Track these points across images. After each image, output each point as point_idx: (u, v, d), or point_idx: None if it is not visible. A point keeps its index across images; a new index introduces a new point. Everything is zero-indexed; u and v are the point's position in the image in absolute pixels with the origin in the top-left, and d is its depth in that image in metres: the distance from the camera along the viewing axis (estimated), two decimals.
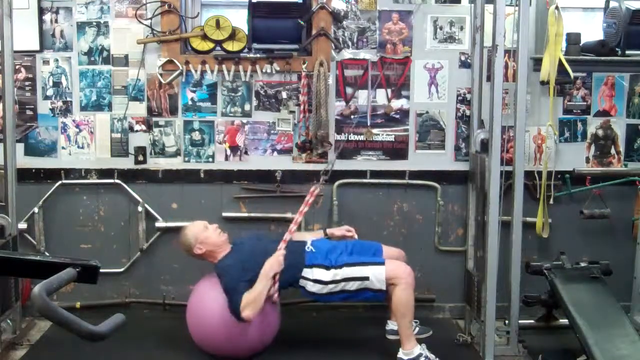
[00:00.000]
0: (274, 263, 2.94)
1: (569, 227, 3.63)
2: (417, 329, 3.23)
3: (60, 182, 3.53)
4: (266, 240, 3.13)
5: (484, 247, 3.11)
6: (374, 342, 3.26)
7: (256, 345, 3.05)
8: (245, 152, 3.58)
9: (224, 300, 2.92)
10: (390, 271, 2.95)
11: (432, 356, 2.98)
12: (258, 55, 3.49)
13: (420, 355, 2.95)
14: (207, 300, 3.02)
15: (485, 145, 3.12)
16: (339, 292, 2.99)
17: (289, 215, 3.56)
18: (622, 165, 3.66)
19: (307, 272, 2.99)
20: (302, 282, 3.01)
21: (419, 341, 3.03)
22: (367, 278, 2.95)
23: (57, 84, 3.51)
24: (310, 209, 3.57)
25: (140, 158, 3.56)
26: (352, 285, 2.96)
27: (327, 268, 2.99)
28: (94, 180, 3.55)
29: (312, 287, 2.99)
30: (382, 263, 2.98)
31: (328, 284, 2.97)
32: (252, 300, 2.84)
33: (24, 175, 3.45)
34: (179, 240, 3.14)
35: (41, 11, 3.44)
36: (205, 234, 3.05)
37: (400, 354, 2.98)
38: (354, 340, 3.37)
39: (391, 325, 3.19)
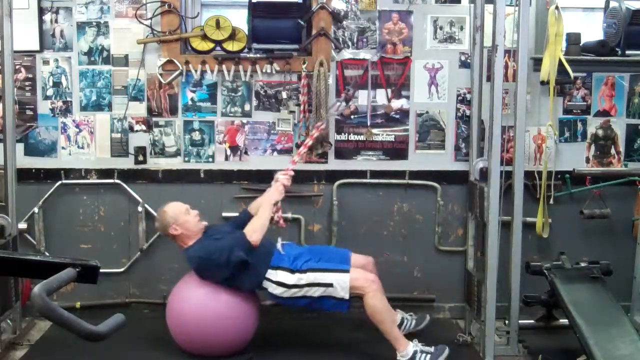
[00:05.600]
0: (273, 192, 3.12)
1: (569, 227, 3.63)
2: (414, 321, 3.24)
3: (60, 182, 3.53)
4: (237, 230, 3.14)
5: (484, 247, 3.11)
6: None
7: (235, 342, 3.06)
8: (245, 152, 3.58)
9: (201, 299, 2.97)
10: (354, 280, 2.95)
11: (427, 348, 2.98)
12: (258, 55, 3.49)
13: (415, 352, 2.95)
14: (185, 300, 3.03)
15: (484, 174, 3.13)
16: (301, 298, 2.98)
17: (289, 215, 3.56)
18: (622, 165, 3.66)
19: (271, 274, 2.99)
20: (265, 284, 3.00)
21: (410, 337, 3.03)
22: (330, 285, 2.94)
23: (57, 84, 3.51)
24: (311, 208, 3.59)
25: (140, 158, 3.56)
26: (316, 292, 2.96)
27: (292, 272, 2.99)
28: (94, 180, 3.55)
29: (274, 290, 2.99)
30: (347, 271, 2.98)
31: (291, 288, 2.97)
32: (259, 226, 3.00)
33: (24, 175, 3.45)
34: (157, 217, 3.15)
35: (41, 11, 3.44)
36: (185, 218, 3.05)
37: (398, 358, 2.97)
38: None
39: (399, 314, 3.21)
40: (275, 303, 3.12)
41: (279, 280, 2.98)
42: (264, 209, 3.08)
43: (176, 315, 3.05)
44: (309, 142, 3.35)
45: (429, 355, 2.95)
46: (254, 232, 2.98)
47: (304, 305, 3.03)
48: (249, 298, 3.08)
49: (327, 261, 3.08)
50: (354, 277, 2.96)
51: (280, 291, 2.98)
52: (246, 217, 3.19)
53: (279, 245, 3.13)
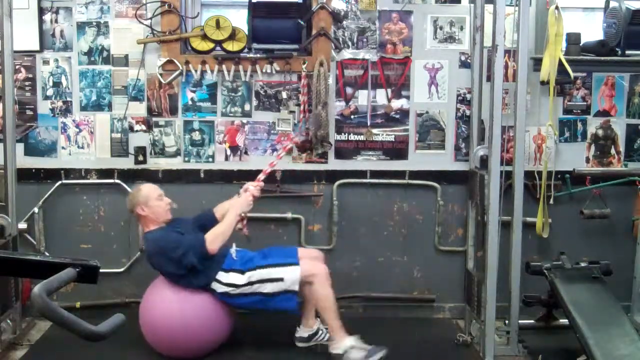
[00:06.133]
0: (242, 203, 3.08)
1: (569, 227, 3.63)
2: (329, 335, 3.11)
3: (60, 182, 3.54)
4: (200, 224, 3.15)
5: (484, 247, 3.11)
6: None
7: (208, 344, 3.05)
8: (245, 152, 3.58)
9: (174, 300, 2.97)
10: (306, 270, 2.99)
11: (364, 345, 2.98)
12: (258, 55, 3.49)
13: (352, 346, 2.97)
14: (158, 301, 3.03)
15: (484, 162, 3.13)
16: (251, 294, 2.97)
17: (289, 215, 3.56)
18: (622, 165, 3.66)
19: (221, 276, 2.99)
20: (213, 285, 2.99)
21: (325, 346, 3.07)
22: (281, 279, 2.96)
23: (57, 84, 3.51)
24: (311, 208, 3.59)
25: (140, 158, 3.56)
26: (267, 288, 2.97)
27: (243, 272, 3.00)
28: (94, 180, 3.55)
29: (221, 289, 2.97)
30: (296, 264, 3.01)
31: (240, 287, 2.97)
32: (219, 234, 2.96)
33: (24, 175, 3.45)
34: (130, 194, 3.16)
35: (41, 11, 3.44)
36: (156, 202, 3.06)
37: (333, 350, 3.00)
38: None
39: (300, 332, 3.17)
40: (234, 306, 3.08)
41: (230, 282, 2.98)
42: (229, 219, 3.03)
43: (148, 317, 3.04)
44: (282, 153, 3.39)
45: (362, 352, 2.96)
46: (214, 241, 2.95)
47: (253, 303, 3.01)
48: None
49: (274, 257, 3.09)
50: (306, 267, 3.00)
51: (229, 290, 2.97)
52: (209, 218, 3.19)
53: (232, 251, 3.11)
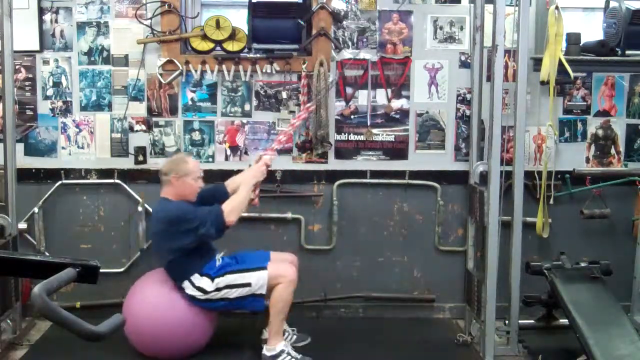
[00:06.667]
0: (256, 172, 3.07)
1: (569, 227, 3.63)
2: (295, 337, 3.23)
3: (60, 182, 3.53)
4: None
5: (484, 248, 3.10)
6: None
7: (191, 346, 3.04)
8: (245, 152, 3.58)
9: (156, 301, 2.96)
10: (274, 271, 2.97)
11: (295, 354, 3.00)
12: (258, 55, 3.49)
13: (282, 351, 2.97)
14: (141, 302, 3.01)
15: (484, 178, 3.13)
16: (218, 300, 2.95)
17: (289, 215, 3.56)
18: (622, 165, 3.66)
19: (195, 278, 2.95)
20: (184, 284, 2.95)
21: (297, 350, 3.07)
22: (249, 284, 2.94)
23: (57, 84, 3.51)
24: (311, 208, 3.59)
25: (140, 158, 3.56)
26: (234, 293, 2.94)
27: (212, 279, 2.96)
28: (94, 180, 3.55)
29: (192, 292, 2.94)
30: (264, 267, 2.98)
31: (208, 293, 2.94)
32: (237, 205, 2.93)
33: (24, 175, 3.45)
34: (176, 159, 3.09)
35: (41, 11, 3.45)
36: (192, 181, 3.00)
37: (264, 351, 3.00)
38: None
39: (266, 334, 3.13)
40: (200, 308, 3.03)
41: (200, 286, 2.95)
42: (245, 189, 3.01)
43: (131, 318, 2.99)
44: (296, 122, 3.36)
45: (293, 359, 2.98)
46: (233, 212, 2.90)
47: (221, 307, 3.00)
48: None
49: (244, 263, 3.07)
50: (274, 268, 2.98)
51: (198, 294, 2.94)
52: (221, 192, 3.14)
53: (218, 257, 3.10)
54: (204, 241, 2.96)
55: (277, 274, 2.96)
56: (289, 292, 2.97)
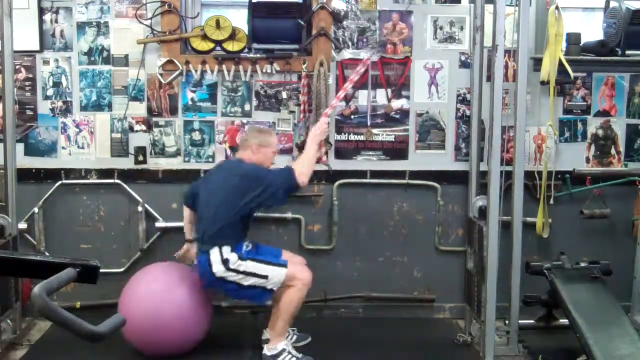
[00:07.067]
0: (317, 132, 3.10)
1: (569, 227, 3.63)
2: (296, 336, 3.25)
3: (60, 182, 3.53)
4: None
5: (480, 247, 3.11)
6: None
7: (186, 342, 3.05)
8: None
9: (151, 298, 2.97)
10: (292, 272, 2.97)
11: (295, 353, 3.01)
12: (258, 55, 3.49)
13: (283, 350, 2.98)
14: (136, 298, 3.02)
15: (483, 212, 3.13)
16: (230, 282, 2.95)
17: (289, 215, 3.57)
18: (622, 165, 3.66)
19: (226, 249, 2.93)
20: (213, 249, 2.91)
21: (298, 349, 3.09)
22: (265, 277, 2.94)
23: (57, 84, 3.51)
24: (311, 208, 3.59)
25: (140, 158, 3.56)
26: (248, 281, 2.94)
27: (239, 259, 2.95)
28: (94, 180, 3.55)
29: (214, 258, 2.91)
30: (285, 266, 2.99)
31: (228, 271, 2.93)
32: (307, 165, 3.02)
33: (24, 175, 3.44)
34: (262, 130, 3.25)
35: (41, 11, 3.44)
36: (270, 155, 3.11)
37: (265, 350, 3.01)
38: None
39: (267, 334, 3.14)
40: (207, 284, 3.04)
41: (227, 258, 2.93)
42: (311, 148, 3.08)
43: (126, 314, 3.02)
44: (348, 85, 3.35)
45: (293, 359, 2.99)
46: (303, 173, 2.97)
47: (229, 290, 3.01)
48: (201, 298, 3.07)
49: (263, 255, 3.09)
50: (291, 270, 2.98)
51: (218, 265, 2.92)
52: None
53: (247, 242, 3.10)
54: (269, 205, 3.04)
55: (294, 275, 2.97)
56: (301, 296, 2.98)
